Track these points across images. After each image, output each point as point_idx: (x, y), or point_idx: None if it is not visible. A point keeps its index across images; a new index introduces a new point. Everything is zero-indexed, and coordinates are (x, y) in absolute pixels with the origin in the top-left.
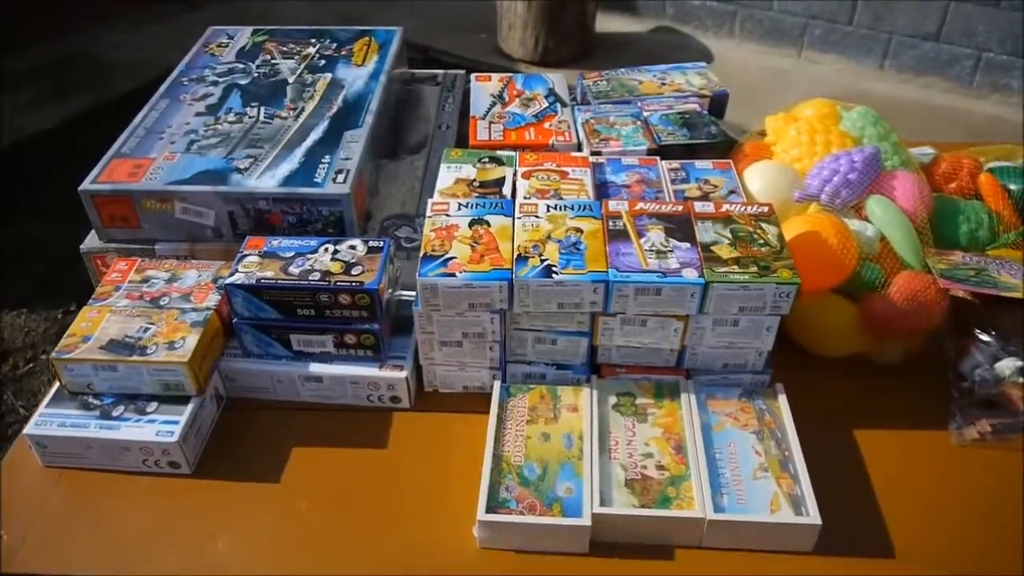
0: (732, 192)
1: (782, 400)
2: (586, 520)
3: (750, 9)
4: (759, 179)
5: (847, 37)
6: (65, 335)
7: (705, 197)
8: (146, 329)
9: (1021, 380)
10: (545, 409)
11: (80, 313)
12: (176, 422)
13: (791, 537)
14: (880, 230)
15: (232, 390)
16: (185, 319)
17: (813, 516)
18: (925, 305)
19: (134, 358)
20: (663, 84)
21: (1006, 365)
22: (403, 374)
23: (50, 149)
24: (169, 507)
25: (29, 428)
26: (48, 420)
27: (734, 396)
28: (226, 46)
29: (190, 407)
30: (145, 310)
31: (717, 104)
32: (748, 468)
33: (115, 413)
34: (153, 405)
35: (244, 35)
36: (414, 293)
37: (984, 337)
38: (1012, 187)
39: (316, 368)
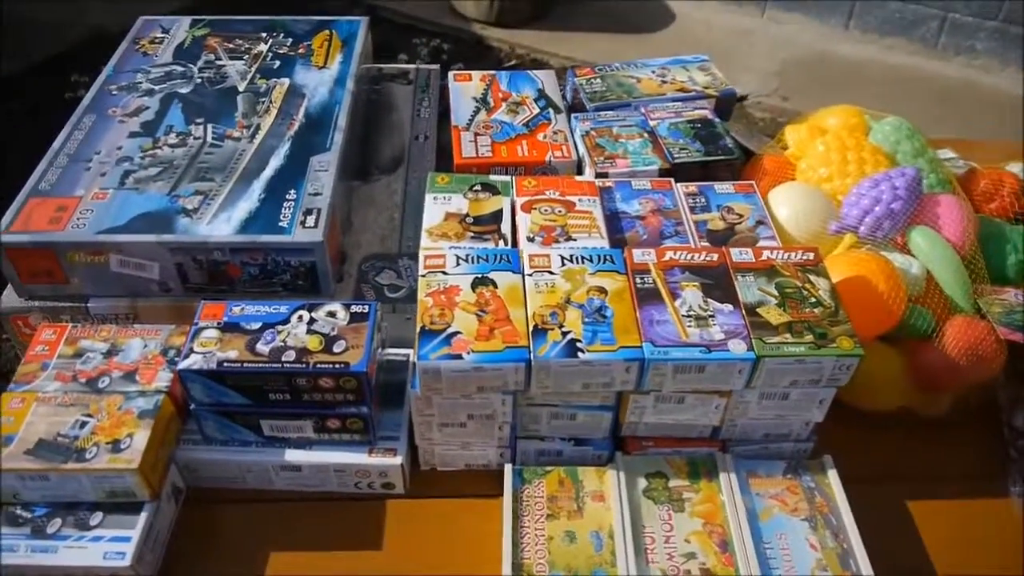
0: (760, 223)
1: (832, 476)
2: None
3: None
4: (787, 206)
5: None
6: None
7: (731, 229)
8: (83, 424)
9: None
10: (567, 499)
11: (0, 403)
12: (127, 539)
13: None
14: (926, 266)
15: (194, 480)
16: (131, 407)
17: None
18: (984, 359)
19: (70, 465)
20: (664, 82)
21: None
22: (397, 460)
23: None
24: None
25: None
26: None
27: (778, 472)
28: (160, 42)
29: (143, 517)
30: (81, 396)
31: (724, 105)
32: (805, 567)
33: (51, 529)
34: (97, 516)
35: (182, 28)
36: (406, 352)
37: None
38: None
39: (293, 456)
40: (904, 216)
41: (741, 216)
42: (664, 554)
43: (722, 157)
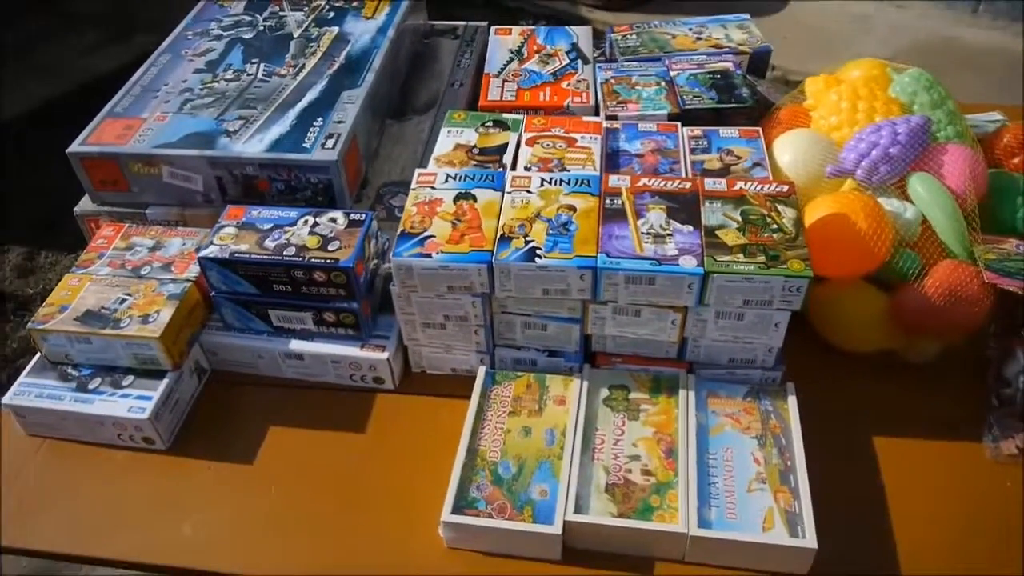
0: (757, 165)
1: (791, 402)
2: (556, 528)
3: None
4: (789, 150)
5: None
6: (44, 303)
7: (726, 170)
8: (122, 300)
9: None
10: (530, 400)
11: (62, 280)
12: (149, 398)
13: (784, 559)
14: (922, 212)
15: (216, 363)
16: (163, 291)
17: (809, 539)
18: (965, 301)
19: (107, 331)
20: (699, 39)
21: None
22: (384, 355)
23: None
24: (141, 484)
25: (8, 397)
26: (27, 390)
27: (739, 395)
28: None
29: (165, 383)
30: (125, 280)
31: (757, 62)
32: (744, 478)
33: (91, 385)
34: (129, 379)
35: None
36: None
37: None
38: None
39: (297, 345)
40: (902, 162)
41: (739, 158)
42: (610, 454)
43: (735, 105)
